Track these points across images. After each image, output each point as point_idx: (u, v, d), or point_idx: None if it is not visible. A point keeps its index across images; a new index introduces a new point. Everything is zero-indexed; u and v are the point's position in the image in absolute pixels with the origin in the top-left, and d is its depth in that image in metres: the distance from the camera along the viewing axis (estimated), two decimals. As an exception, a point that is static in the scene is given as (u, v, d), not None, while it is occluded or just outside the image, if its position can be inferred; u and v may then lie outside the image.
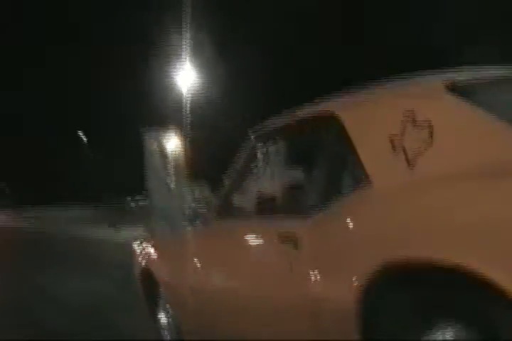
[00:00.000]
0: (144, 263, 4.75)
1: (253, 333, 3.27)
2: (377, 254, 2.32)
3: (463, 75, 2.69)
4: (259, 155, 3.57)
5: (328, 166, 2.96)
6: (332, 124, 2.89)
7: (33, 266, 12.86)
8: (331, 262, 2.61)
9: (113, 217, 23.74)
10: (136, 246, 5.03)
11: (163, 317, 4.62)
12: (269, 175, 3.46)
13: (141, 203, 26.47)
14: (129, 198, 31.98)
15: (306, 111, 3.22)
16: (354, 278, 2.39)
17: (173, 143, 18.85)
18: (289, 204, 3.19)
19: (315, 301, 2.64)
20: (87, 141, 40.32)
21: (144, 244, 4.94)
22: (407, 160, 2.47)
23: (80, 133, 39.81)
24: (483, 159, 2.25)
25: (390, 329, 2.30)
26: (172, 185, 17.27)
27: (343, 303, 2.45)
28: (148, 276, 4.62)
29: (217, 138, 26.80)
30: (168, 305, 4.48)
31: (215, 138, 26.50)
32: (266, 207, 3.32)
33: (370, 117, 2.75)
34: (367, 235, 2.44)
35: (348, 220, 2.56)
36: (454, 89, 2.55)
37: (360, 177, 2.63)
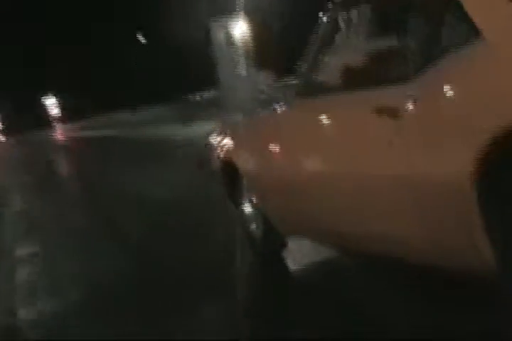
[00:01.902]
0: (224, 154, 4.54)
1: (346, 216, 3.13)
2: (497, 120, 2.05)
3: None
4: (343, 24, 3.23)
5: (425, 27, 2.65)
6: None
7: (113, 167, 13.01)
8: (440, 133, 2.35)
9: (186, 114, 23.68)
10: (214, 139, 4.82)
11: (248, 209, 4.46)
12: (356, 45, 3.12)
13: (212, 95, 26.37)
14: (200, 92, 31.93)
15: None
16: (469, 150, 2.14)
17: (241, 31, 18.50)
18: (381, 74, 2.87)
19: (419, 177, 2.44)
20: (151, 38, 40.10)
21: (222, 136, 4.72)
22: None
23: (140, 33, 39.55)
24: None
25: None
26: (243, 73, 17.05)
27: (454, 180, 2.23)
28: (229, 168, 4.42)
29: (286, 23, 26.10)
30: (253, 196, 4.32)
31: (283, 24, 25.80)
32: (355, 79, 3.01)
33: None
34: (484, 97, 2.15)
35: (460, 81, 2.28)
36: None
37: (470, 34, 2.29)
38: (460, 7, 2.38)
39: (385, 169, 2.68)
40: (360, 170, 2.90)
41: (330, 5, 3.35)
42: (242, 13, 18.91)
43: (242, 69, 17.76)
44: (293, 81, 3.83)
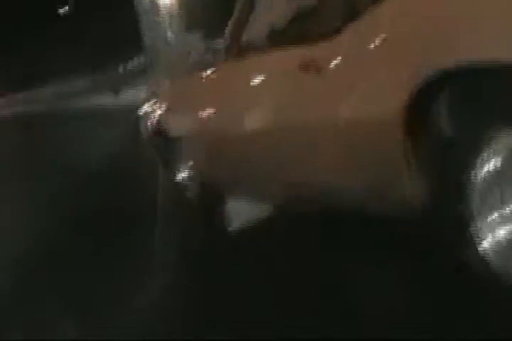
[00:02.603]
0: (157, 121, 4.52)
1: (287, 168, 3.17)
2: (422, 62, 2.14)
3: None
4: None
5: None
6: None
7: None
8: (366, 81, 2.44)
9: (114, 83, 23.40)
10: (147, 107, 4.81)
11: (184, 176, 4.47)
12: (279, 5, 3.15)
13: (141, 62, 26.07)
14: (129, 59, 31.49)
15: None
16: (396, 95, 2.23)
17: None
18: (304, 32, 2.93)
19: (351, 122, 2.53)
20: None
21: (154, 102, 4.71)
22: None
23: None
24: None
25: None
26: (170, 37, 16.84)
27: (385, 122, 2.32)
28: (164, 135, 4.42)
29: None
30: (190, 162, 4.33)
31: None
32: (279, 38, 3.06)
33: None
34: (406, 41, 2.25)
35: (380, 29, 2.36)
36: None
37: None
38: None
39: (316, 117, 2.75)
40: (294, 121, 2.96)
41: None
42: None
43: (169, 33, 17.53)
44: (220, 43, 3.83)
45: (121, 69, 30.21)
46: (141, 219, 4.72)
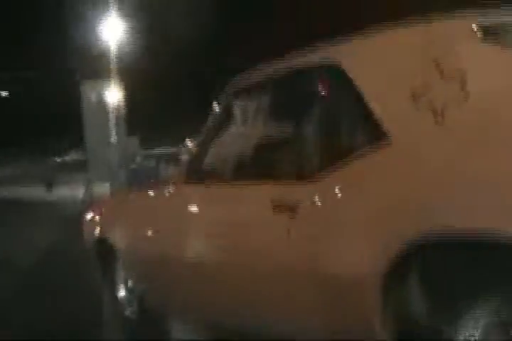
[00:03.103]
0: (98, 231, 4.38)
1: (240, 307, 3.02)
2: (410, 225, 2.06)
3: (489, 16, 2.38)
4: (239, 113, 3.22)
5: (330, 124, 2.66)
6: (334, 75, 2.59)
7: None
8: (346, 233, 2.34)
9: (48, 175, 23.08)
10: (88, 214, 4.66)
11: (123, 291, 4.30)
12: (253, 136, 3.09)
13: (77, 157, 25.91)
14: (66, 153, 31.33)
15: (296, 61, 2.89)
16: (378, 251, 2.14)
17: (112, 95, 18.38)
18: (279, 169, 2.87)
19: (321, 274, 2.40)
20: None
21: (95, 211, 4.57)
22: (435, 117, 2.17)
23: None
24: None
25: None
26: (112, 138, 16.83)
27: (359, 277, 2.22)
28: (104, 246, 4.25)
29: (157, 90, 26.22)
30: (130, 279, 4.17)
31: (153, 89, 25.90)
32: (250, 171, 3.00)
33: (384, 67, 2.43)
34: (394, 201, 2.16)
35: (369, 183, 2.29)
36: (483, 31, 2.26)
37: (374, 136, 2.33)
38: (366, 109, 2.41)
39: (280, 260, 2.63)
40: (251, 261, 2.84)
41: (223, 93, 3.34)
42: (116, 75, 18.82)
43: (112, 134, 17.56)
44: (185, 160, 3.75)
45: (54, 163, 30.01)
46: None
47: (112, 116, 17.88)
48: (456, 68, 2.21)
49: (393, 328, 2.17)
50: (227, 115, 3.32)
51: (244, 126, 3.20)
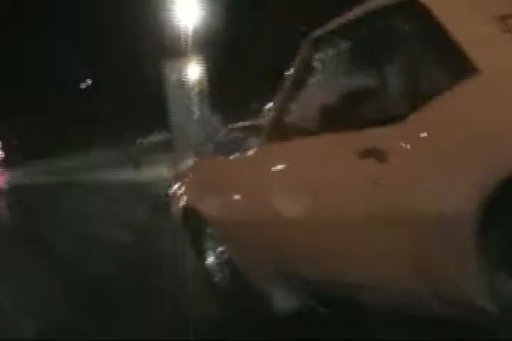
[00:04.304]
0: (186, 201, 4.35)
1: (331, 264, 2.99)
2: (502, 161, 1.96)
3: None
4: (319, 63, 3.13)
5: (411, 63, 2.57)
6: (413, 11, 2.49)
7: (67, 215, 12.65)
8: (437, 172, 2.24)
9: (137, 157, 23.45)
10: (174, 185, 4.64)
11: (213, 258, 4.29)
12: (334, 84, 2.99)
13: (164, 138, 26.26)
14: (152, 135, 31.75)
15: (372, 3, 2.80)
16: (471, 191, 2.05)
17: (194, 73, 18.52)
18: (362, 115, 2.77)
19: (412, 216, 2.34)
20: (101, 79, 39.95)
21: (181, 181, 4.55)
22: None
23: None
24: None
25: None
26: (197, 115, 16.97)
27: (451, 218, 2.13)
28: (193, 215, 4.23)
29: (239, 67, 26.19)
30: (220, 244, 4.15)
31: (236, 66, 25.89)
32: (333, 120, 2.90)
33: None
34: (486, 135, 2.05)
35: (454, 122, 2.17)
36: None
37: (461, 68, 2.22)
38: (449, 42, 2.29)
39: (370, 210, 2.56)
40: (341, 212, 2.79)
41: (303, 43, 3.24)
42: (195, 54, 18.95)
43: (196, 112, 17.70)
44: (258, 122, 3.70)
45: (140, 143, 30.45)
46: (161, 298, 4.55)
47: (194, 94, 18.05)
48: None
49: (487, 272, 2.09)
50: (307, 67, 3.24)
51: (325, 76, 3.11)
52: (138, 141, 31.60)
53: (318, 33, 3.17)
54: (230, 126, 4.07)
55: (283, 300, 3.80)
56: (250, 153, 3.63)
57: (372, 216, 2.56)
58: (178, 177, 4.72)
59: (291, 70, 3.35)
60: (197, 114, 17.33)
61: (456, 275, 2.24)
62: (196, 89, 17.93)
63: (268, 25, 22.28)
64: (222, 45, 23.14)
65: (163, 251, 6.37)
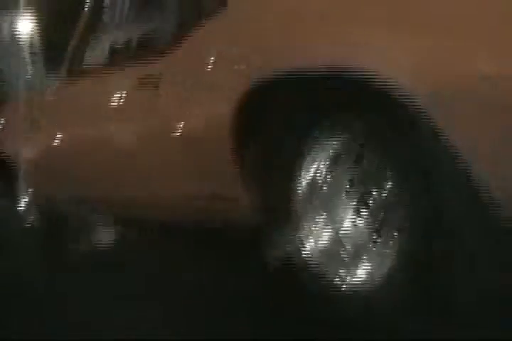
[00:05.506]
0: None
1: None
2: (241, 79, 2.30)
3: None
4: (108, 3, 3.45)
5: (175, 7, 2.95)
6: None
7: None
8: (196, 93, 2.60)
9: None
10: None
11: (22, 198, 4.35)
12: (121, 22, 3.36)
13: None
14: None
15: None
16: (229, 96, 2.35)
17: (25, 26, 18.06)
18: (143, 48, 3.14)
19: (185, 133, 2.65)
20: None
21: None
22: None
23: None
24: None
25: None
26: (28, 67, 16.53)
27: (213, 131, 2.46)
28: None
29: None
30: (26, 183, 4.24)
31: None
32: (120, 55, 3.28)
33: None
34: (226, 59, 2.44)
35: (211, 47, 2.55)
36: None
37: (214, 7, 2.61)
38: None
39: (154, 129, 2.88)
40: (122, 135, 3.13)
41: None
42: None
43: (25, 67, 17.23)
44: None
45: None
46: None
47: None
48: None
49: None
50: (96, 7, 3.57)
51: (113, 18, 3.45)
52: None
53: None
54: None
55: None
56: (52, 87, 3.89)
57: (149, 135, 2.92)
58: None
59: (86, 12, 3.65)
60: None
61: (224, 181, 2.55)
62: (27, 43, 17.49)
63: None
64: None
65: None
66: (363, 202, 2.07)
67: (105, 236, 3.98)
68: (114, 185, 3.35)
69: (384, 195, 1.99)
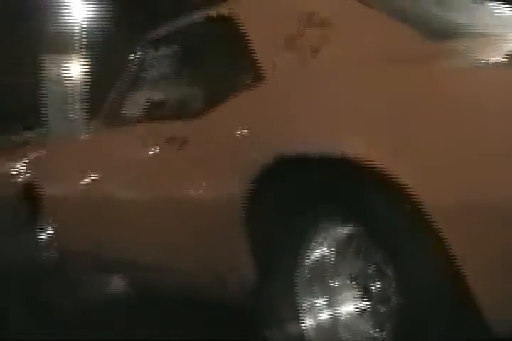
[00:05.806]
0: (26, 178, 4.61)
1: (140, 239, 3.25)
2: (265, 151, 2.31)
3: None
4: (150, 61, 3.56)
5: (219, 68, 3.02)
6: (227, 23, 2.94)
7: None
8: (218, 161, 2.62)
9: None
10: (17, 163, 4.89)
11: (43, 237, 4.48)
12: (160, 81, 3.46)
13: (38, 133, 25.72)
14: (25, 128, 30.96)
15: (202, 13, 3.25)
16: (240, 175, 2.40)
17: (73, 70, 18.45)
18: (177, 109, 3.19)
19: (199, 201, 2.68)
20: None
21: (24, 158, 4.82)
22: (303, 59, 2.52)
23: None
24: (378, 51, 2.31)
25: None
26: (72, 114, 16.92)
27: (224, 203, 2.49)
28: (30, 193, 4.47)
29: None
30: (51, 222, 4.35)
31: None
32: (155, 112, 3.33)
33: (266, 16, 2.82)
34: (255, 130, 2.46)
35: (237, 118, 2.59)
36: None
37: (253, 76, 2.67)
38: (249, 52, 2.74)
39: (165, 193, 2.93)
40: (147, 195, 3.13)
41: (140, 43, 3.68)
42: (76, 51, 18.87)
43: (71, 110, 17.59)
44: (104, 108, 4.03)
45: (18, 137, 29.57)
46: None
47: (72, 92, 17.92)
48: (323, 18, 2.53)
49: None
50: (139, 65, 3.66)
51: (153, 74, 3.53)
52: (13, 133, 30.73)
53: (151, 36, 3.61)
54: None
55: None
56: (87, 136, 4.02)
57: (159, 198, 2.97)
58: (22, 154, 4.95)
59: (128, 65, 3.76)
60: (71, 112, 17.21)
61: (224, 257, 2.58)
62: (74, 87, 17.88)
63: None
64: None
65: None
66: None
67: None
68: (123, 245, 3.39)
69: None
